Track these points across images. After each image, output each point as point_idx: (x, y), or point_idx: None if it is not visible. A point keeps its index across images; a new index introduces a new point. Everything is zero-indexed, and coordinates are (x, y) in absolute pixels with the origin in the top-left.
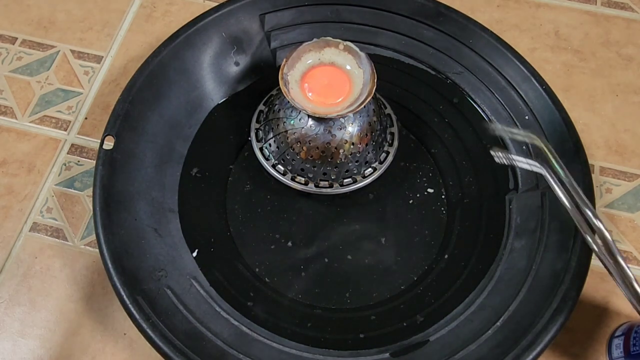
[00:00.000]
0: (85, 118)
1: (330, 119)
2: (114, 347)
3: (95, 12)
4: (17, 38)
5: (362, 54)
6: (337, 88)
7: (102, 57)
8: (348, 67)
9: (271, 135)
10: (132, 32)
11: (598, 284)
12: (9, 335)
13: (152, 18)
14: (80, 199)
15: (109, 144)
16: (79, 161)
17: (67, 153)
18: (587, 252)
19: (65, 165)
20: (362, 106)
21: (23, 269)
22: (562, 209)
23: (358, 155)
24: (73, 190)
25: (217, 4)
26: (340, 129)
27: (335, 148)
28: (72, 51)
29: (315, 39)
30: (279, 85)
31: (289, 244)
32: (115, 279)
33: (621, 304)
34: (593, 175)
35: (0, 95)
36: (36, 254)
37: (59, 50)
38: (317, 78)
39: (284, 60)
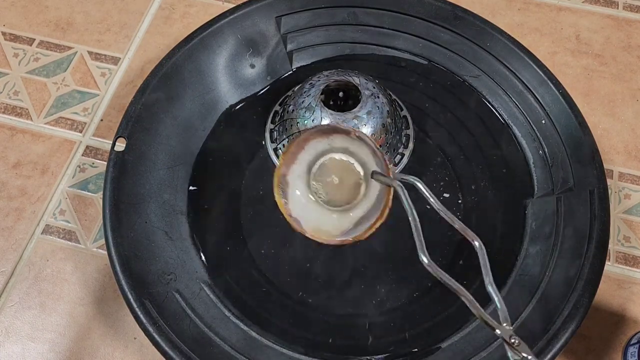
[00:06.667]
0: (101, 120)
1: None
2: (123, 351)
3: (114, 13)
4: (34, 39)
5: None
6: (348, 189)
7: (120, 58)
8: (363, 160)
9: (285, 136)
10: (150, 33)
11: (614, 290)
12: (18, 338)
13: (171, 20)
14: (93, 201)
15: (120, 145)
16: (93, 163)
17: (82, 155)
18: (601, 259)
19: (79, 167)
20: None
21: (34, 272)
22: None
23: None
24: (87, 193)
25: (234, 5)
26: None
27: None
28: (90, 52)
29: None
30: (295, 86)
31: (302, 248)
32: (123, 281)
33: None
34: (612, 181)
35: (16, 96)
36: (48, 256)
37: (76, 52)
38: (326, 174)
39: (281, 158)
